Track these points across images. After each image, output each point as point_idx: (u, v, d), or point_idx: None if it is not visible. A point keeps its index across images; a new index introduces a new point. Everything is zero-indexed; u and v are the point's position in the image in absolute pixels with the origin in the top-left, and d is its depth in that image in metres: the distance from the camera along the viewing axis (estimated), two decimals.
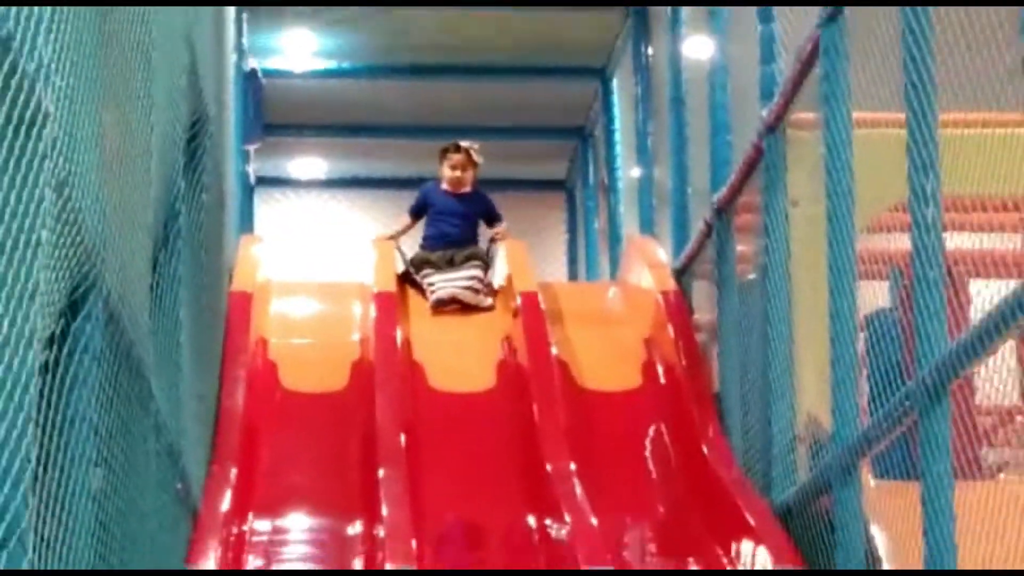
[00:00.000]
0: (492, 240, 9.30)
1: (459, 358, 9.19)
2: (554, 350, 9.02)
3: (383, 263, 9.66)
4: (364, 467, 8.05)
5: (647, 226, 12.46)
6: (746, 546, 7.41)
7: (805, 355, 7.43)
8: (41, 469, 3.59)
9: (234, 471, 7.79)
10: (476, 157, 9.81)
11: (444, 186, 9.67)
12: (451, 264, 9.32)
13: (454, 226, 9.39)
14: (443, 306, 9.00)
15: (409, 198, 15.61)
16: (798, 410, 7.56)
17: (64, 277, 3.95)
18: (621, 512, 7.87)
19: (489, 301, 9.22)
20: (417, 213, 9.69)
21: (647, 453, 8.54)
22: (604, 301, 10.24)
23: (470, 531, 7.90)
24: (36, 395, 3.48)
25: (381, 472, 7.80)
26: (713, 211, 9.16)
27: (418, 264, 9.31)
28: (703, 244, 9.46)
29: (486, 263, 9.36)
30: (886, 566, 6.60)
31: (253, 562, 7.44)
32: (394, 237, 9.67)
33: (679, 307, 9.59)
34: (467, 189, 9.66)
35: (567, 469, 7.88)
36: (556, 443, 8.14)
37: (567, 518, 7.44)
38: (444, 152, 9.87)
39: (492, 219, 9.69)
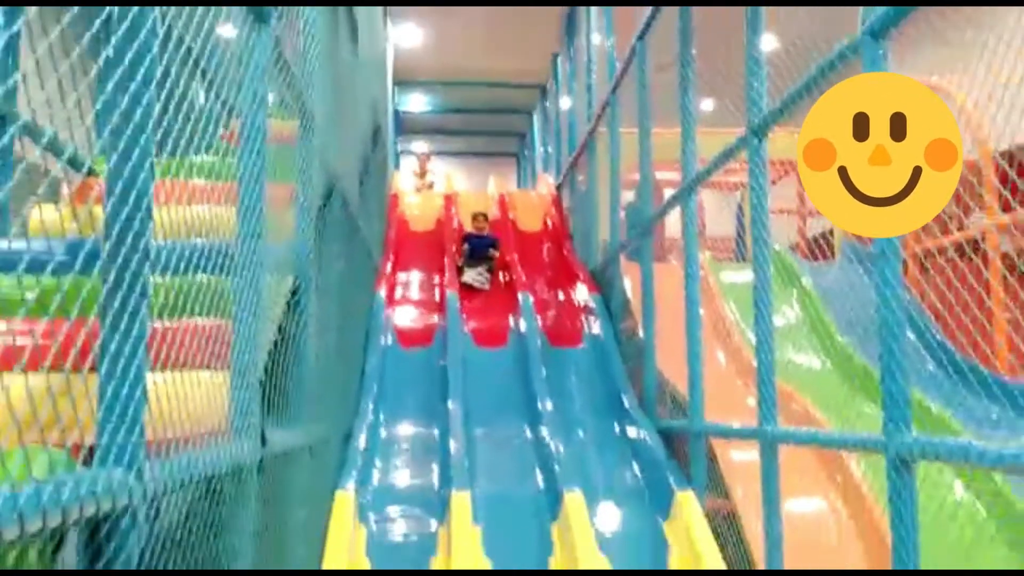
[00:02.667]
0: (491, 257, 7.73)
1: (477, 221, 8.69)
2: (510, 215, 9.00)
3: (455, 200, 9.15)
4: (438, 257, 8.00)
5: (546, 169, 12.47)
6: (579, 285, 7.37)
7: (601, 217, 7.36)
8: (317, 260, 3.64)
9: (392, 255, 7.80)
10: (489, 216, 8.44)
11: (473, 231, 8.10)
12: (478, 265, 7.69)
13: (478, 248, 7.78)
14: (466, 287, 7.45)
15: (457, 161, 15.64)
16: (599, 235, 7.53)
17: (323, 185, 3.97)
18: (533, 273, 7.80)
19: (487, 287, 7.56)
20: (463, 243, 7.86)
21: (543, 253, 8.50)
22: (530, 198, 10.15)
23: (480, 282, 7.70)
24: (315, 229, 3.58)
25: (445, 260, 7.89)
26: (568, 164, 9.17)
27: (465, 265, 7.65)
28: (567, 175, 9.38)
29: (491, 268, 7.74)
30: (630, 297, 6.15)
31: (398, 291, 7.29)
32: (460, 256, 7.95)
33: (558, 200, 9.54)
34: (485, 232, 8.08)
35: (514, 259, 7.92)
36: (509, 249, 8.16)
37: (512, 276, 7.56)
38: (474, 215, 8.29)
39: (494, 246, 7.89)
